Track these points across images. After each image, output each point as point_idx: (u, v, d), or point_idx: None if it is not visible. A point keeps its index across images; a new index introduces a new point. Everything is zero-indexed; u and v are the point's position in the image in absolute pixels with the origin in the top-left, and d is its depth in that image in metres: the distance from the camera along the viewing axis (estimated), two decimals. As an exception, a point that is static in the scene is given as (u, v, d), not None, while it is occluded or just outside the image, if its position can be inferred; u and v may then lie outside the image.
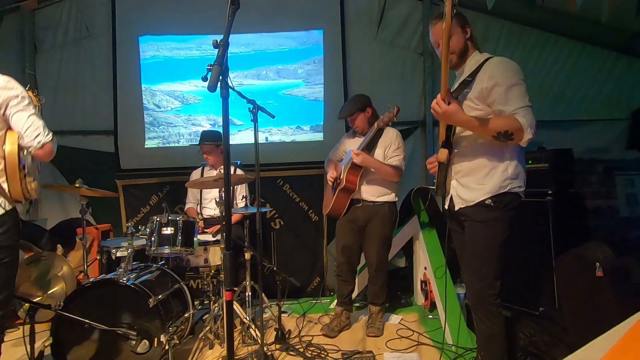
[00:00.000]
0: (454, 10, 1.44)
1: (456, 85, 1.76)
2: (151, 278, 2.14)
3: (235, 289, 2.53)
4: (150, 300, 1.87)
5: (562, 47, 3.81)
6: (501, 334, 1.62)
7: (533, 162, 2.32)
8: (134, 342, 1.82)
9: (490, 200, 1.62)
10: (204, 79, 1.04)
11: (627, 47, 3.76)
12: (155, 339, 1.84)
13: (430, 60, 3.81)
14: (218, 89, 1.04)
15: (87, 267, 2.33)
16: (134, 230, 2.12)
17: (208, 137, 2.96)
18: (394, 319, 2.76)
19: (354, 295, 2.75)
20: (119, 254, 2.15)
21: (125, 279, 1.95)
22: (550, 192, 2.22)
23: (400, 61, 3.84)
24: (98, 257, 2.45)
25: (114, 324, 1.87)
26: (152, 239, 2.16)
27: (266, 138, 3.75)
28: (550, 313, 2.00)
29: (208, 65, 1.05)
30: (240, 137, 3.70)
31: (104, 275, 2.13)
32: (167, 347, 1.88)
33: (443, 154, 1.72)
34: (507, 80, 1.56)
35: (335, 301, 2.76)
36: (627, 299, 1.32)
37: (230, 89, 1.21)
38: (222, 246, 2.21)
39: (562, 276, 1.60)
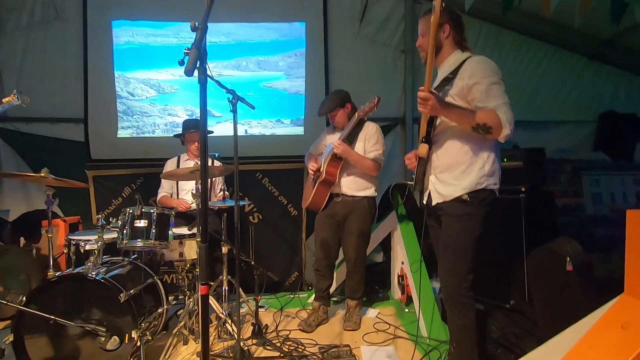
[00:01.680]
0: (443, 5, 1.46)
1: (437, 82, 1.77)
2: (122, 272, 2.06)
3: (212, 283, 2.48)
4: (121, 295, 1.80)
5: (536, 50, 3.94)
6: (473, 326, 1.66)
7: (508, 159, 2.38)
8: (103, 339, 1.74)
9: (467, 196, 1.65)
10: (181, 63, 1.00)
11: (596, 53, 3.94)
12: (126, 335, 1.77)
13: (411, 57, 3.84)
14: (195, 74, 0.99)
15: (54, 260, 2.21)
16: (105, 223, 2.03)
17: (194, 125, 2.86)
18: (371, 312, 2.79)
19: (331, 289, 2.75)
20: (88, 247, 2.05)
21: (94, 273, 1.86)
22: (523, 189, 2.29)
23: (381, 58, 3.85)
24: (65, 251, 2.33)
25: (81, 320, 1.79)
26: (124, 231, 2.07)
27: (245, 131, 3.68)
28: (520, 307, 2.07)
29: (185, 50, 1.00)
30: (219, 129, 3.61)
31: (71, 269, 2.03)
32: (138, 344, 1.82)
33: (423, 149, 1.74)
34: (487, 78, 1.59)
35: (313, 296, 2.75)
36: (593, 293, 1.38)
37: (208, 78, 1.17)
38: (198, 239, 2.15)
39: (533, 270, 1.65)
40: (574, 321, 1.13)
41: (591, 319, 0.96)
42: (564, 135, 4.06)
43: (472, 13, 3.51)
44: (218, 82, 1.89)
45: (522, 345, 1.75)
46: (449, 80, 1.71)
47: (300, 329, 2.49)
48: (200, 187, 2.15)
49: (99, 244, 2.01)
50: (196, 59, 0.98)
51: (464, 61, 1.68)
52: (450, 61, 1.75)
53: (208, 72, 1.07)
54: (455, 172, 1.69)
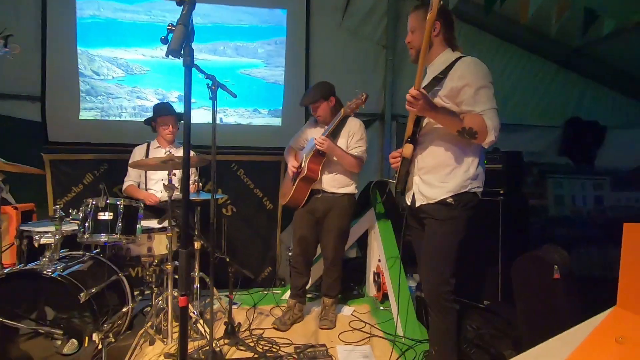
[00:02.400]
0: (441, 2, 1.41)
1: (427, 82, 1.74)
2: (83, 269, 1.88)
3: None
4: (82, 294, 1.64)
5: (512, 54, 4.04)
6: (454, 329, 1.67)
7: (488, 162, 2.40)
8: (59, 342, 1.59)
9: (451, 199, 1.64)
10: (164, 40, 0.87)
11: (567, 62, 4.10)
12: (86, 338, 1.62)
13: (392, 54, 3.82)
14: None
15: (1, 253, 1.99)
16: (63, 214, 1.84)
17: (167, 109, 2.67)
18: (346, 310, 2.77)
19: (307, 286, 2.69)
20: (43, 241, 1.85)
21: (50, 269, 1.68)
22: (502, 191, 2.33)
23: (363, 52, 3.79)
24: (16, 243, 2.09)
25: (34, 322, 1.61)
26: (86, 224, 1.89)
27: (221, 119, 3.51)
28: (494, 307, 2.11)
29: (169, 25, 0.87)
30: (192, 115, 3.41)
31: (23, 265, 1.83)
32: (100, 347, 1.67)
33: (408, 149, 1.71)
34: (477, 81, 1.57)
35: (288, 292, 2.68)
36: (578, 302, 1.42)
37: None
38: (169, 234, 2.01)
39: (519, 275, 1.67)
40: (558, 328, 1.14)
41: (581, 330, 0.96)
42: (533, 139, 4.22)
43: (454, 13, 3.54)
44: (197, 67, 1.75)
45: (497, 346, 1.78)
46: (438, 80, 1.67)
47: (274, 328, 2.41)
48: (172, 179, 2.02)
49: (56, 237, 1.83)
50: (183, 37, 0.86)
51: (454, 61, 1.65)
52: (440, 60, 1.72)
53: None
54: (440, 174, 1.67)
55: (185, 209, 0.99)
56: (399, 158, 1.74)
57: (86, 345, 1.63)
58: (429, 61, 1.73)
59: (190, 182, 2.80)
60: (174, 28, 0.86)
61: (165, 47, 0.97)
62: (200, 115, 3.42)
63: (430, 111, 1.53)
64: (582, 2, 3.12)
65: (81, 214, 1.91)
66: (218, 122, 3.43)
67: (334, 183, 2.45)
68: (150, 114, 2.82)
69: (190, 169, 2.80)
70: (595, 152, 4.27)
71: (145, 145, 2.80)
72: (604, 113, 4.23)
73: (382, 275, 2.80)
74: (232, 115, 3.57)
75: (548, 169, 4.20)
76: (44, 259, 1.77)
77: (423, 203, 1.70)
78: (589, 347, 0.89)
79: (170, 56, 0.84)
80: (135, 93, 3.39)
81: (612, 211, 4.05)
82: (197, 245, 2.20)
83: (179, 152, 2.78)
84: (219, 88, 1.77)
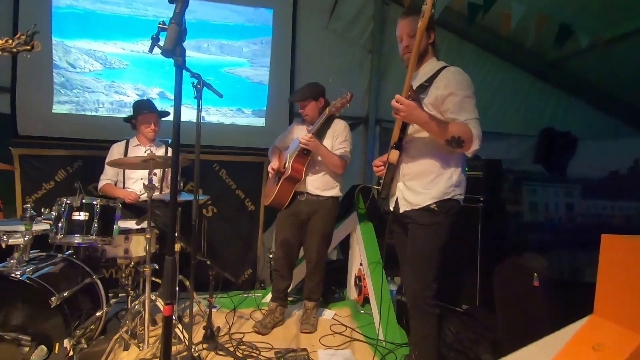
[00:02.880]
0: (433, 10, 1.42)
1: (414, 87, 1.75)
2: (54, 271, 1.79)
3: (159, 281, 2.28)
4: (52, 298, 1.55)
5: (492, 64, 4.16)
6: (435, 335, 1.69)
7: (469, 169, 2.46)
8: (27, 349, 1.50)
9: (435, 205, 1.67)
10: (155, 39, 0.84)
11: (542, 73, 4.26)
12: (57, 344, 1.54)
13: (378, 58, 3.85)
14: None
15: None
16: (34, 213, 1.74)
17: (149, 106, 2.58)
18: (327, 313, 2.76)
19: (289, 289, 2.67)
20: (11, 242, 1.75)
21: (18, 272, 1.59)
22: (482, 198, 2.39)
23: (349, 55, 3.81)
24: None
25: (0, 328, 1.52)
26: (60, 224, 1.80)
27: (203, 118, 3.42)
28: (473, 311, 2.16)
29: (160, 23, 0.84)
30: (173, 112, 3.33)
31: (-12, 265, 1.72)
32: (71, 353, 1.59)
33: (394, 155, 1.72)
34: (462, 91, 1.60)
35: (269, 295, 2.65)
36: (554, 308, 1.47)
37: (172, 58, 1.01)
38: (148, 236, 1.94)
39: (500, 281, 1.71)
40: (536, 333, 1.17)
41: (559, 337, 1.00)
42: (509, 147, 4.35)
43: (437, 22, 3.62)
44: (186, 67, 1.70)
45: (476, 350, 1.81)
46: (424, 87, 1.70)
47: (255, 331, 2.38)
48: (152, 179, 1.95)
49: (25, 238, 1.73)
50: (177, 37, 0.82)
51: (439, 70, 1.68)
52: (426, 69, 1.75)
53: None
54: (424, 180, 1.69)
55: (173, 213, 0.96)
56: (382, 167, 1.75)
57: (56, 352, 1.54)
58: (417, 68, 1.75)
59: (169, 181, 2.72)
60: (165, 27, 0.83)
61: (149, 43, 0.93)
62: (183, 113, 3.33)
63: (418, 119, 1.55)
64: (559, 18, 3.26)
65: (54, 213, 1.82)
66: (202, 121, 3.40)
67: (318, 185, 2.44)
68: (128, 110, 2.73)
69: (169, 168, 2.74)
70: (567, 161, 4.46)
71: (124, 142, 2.70)
72: (577, 124, 4.42)
73: (364, 278, 2.81)
74: (215, 114, 3.50)
75: (523, 176, 4.35)
76: (12, 261, 1.67)
77: (407, 209, 1.72)
78: (568, 354, 0.92)
79: (164, 56, 0.80)
80: (113, 87, 3.27)
81: (582, 218, 4.25)
82: (177, 247, 2.14)
83: (160, 151, 2.70)
84: (204, 87, 1.72)
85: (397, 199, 1.77)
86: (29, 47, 1.46)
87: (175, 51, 0.82)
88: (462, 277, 2.43)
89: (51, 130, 3.10)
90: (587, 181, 4.31)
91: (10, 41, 1.43)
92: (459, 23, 3.77)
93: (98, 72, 3.23)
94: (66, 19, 3.11)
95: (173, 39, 0.82)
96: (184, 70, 1.66)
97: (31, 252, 1.86)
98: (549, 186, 4.37)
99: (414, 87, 1.72)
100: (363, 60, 3.87)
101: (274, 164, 2.48)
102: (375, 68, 3.86)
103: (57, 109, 3.14)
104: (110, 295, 2.12)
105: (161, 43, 0.88)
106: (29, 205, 1.77)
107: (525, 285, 1.53)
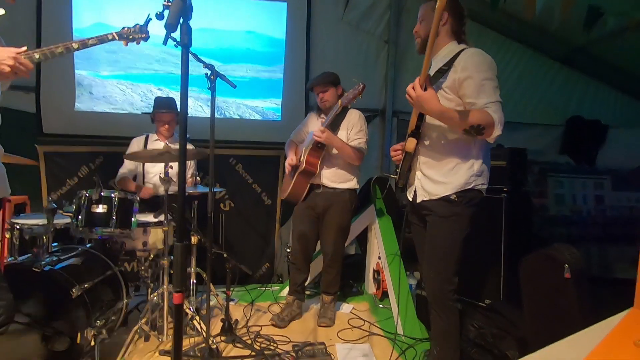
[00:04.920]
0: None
1: (431, 74, 1.69)
2: (76, 263, 1.83)
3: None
4: (74, 289, 1.58)
5: (514, 51, 3.98)
6: (457, 330, 1.63)
7: (492, 159, 2.36)
8: (50, 340, 1.53)
9: (454, 196, 1.60)
10: (159, 16, 0.82)
11: (568, 59, 4.06)
12: (79, 334, 1.57)
13: (395, 49, 3.76)
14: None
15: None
16: (55, 206, 1.78)
17: (166, 105, 2.60)
18: (345, 307, 2.73)
19: (306, 283, 2.65)
20: (35, 234, 1.79)
21: (41, 263, 1.63)
22: (505, 189, 2.29)
23: (364, 46, 3.74)
24: (7, 236, 2.03)
25: (25, 318, 1.55)
26: (79, 217, 1.83)
27: (221, 112, 3.46)
28: (496, 306, 2.07)
29: (165, 1, 0.82)
30: (191, 106, 3.36)
31: (14, 258, 1.77)
32: (92, 343, 1.62)
33: (411, 143, 1.66)
34: (480, 73, 1.53)
35: (286, 289, 2.64)
36: (587, 302, 1.38)
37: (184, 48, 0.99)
38: (165, 229, 1.96)
39: (527, 274, 1.63)
40: (567, 329, 1.10)
41: (594, 332, 0.92)
42: (534, 137, 4.17)
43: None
44: (195, 56, 1.70)
45: (500, 346, 1.74)
46: (443, 72, 1.63)
47: (272, 324, 2.37)
48: (169, 172, 1.96)
49: (47, 230, 1.77)
50: (179, 11, 0.80)
51: (458, 53, 1.60)
52: (444, 52, 1.67)
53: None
54: (443, 169, 1.62)
55: (181, 200, 0.94)
56: (400, 151, 1.70)
57: (78, 342, 1.57)
58: (434, 52, 1.68)
59: (189, 175, 2.75)
60: (169, 4, 0.81)
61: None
62: (199, 109, 3.36)
63: (429, 111, 1.49)
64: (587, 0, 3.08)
65: (74, 207, 1.85)
66: (218, 115, 3.42)
67: (335, 178, 2.40)
68: (150, 107, 2.77)
69: (189, 162, 2.76)
70: (597, 151, 4.25)
71: (143, 137, 2.74)
72: (606, 112, 4.20)
73: (382, 272, 2.76)
74: (232, 109, 3.51)
75: (549, 168, 4.18)
76: (34, 253, 1.71)
77: (425, 199, 1.66)
78: (605, 351, 0.85)
79: (168, 32, 0.78)
80: (135, 86, 3.32)
81: (612, 210, 4.04)
82: (194, 240, 2.15)
83: (177, 146, 2.72)
84: (218, 78, 1.71)
85: (415, 189, 1.71)
86: None
87: (177, 25, 0.80)
88: (485, 270, 2.34)
89: (74, 127, 3.18)
90: (618, 171, 4.09)
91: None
92: (477, 9, 3.63)
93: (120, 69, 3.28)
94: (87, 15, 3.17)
95: (176, 13, 0.79)
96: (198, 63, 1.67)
97: (54, 244, 1.91)
98: (576, 178, 4.18)
99: (433, 72, 1.66)
100: (379, 51, 3.79)
101: (290, 159, 2.45)
102: (392, 59, 3.77)
103: (80, 106, 3.21)
104: (130, 287, 2.15)
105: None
106: (50, 199, 1.81)
107: (556, 277, 1.44)
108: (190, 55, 1.70)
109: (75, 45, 1.32)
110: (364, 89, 2.19)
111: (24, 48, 1.23)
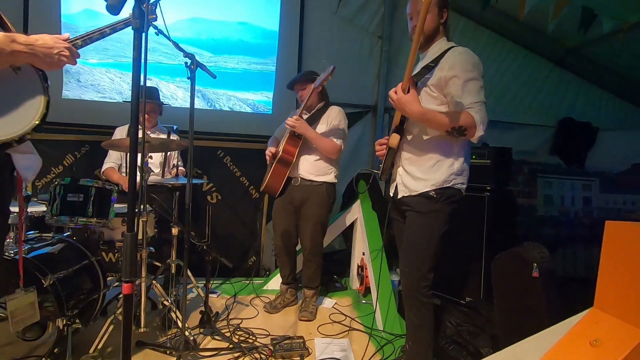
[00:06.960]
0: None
1: (418, 69, 1.68)
2: (51, 251, 1.81)
3: (159, 264, 2.29)
4: (46, 278, 1.57)
5: (508, 51, 3.97)
6: (430, 325, 1.64)
7: (476, 157, 2.36)
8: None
9: (433, 192, 1.60)
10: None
11: (562, 60, 4.05)
12: (50, 324, 1.55)
13: (388, 45, 3.73)
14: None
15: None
16: (29, 194, 1.75)
17: (151, 95, 2.59)
18: (328, 302, 2.73)
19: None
20: (10, 221, 1.77)
21: (12, 252, 1.61)
22: (489, 188, 2.29)
23: (357, 42, 3.71)
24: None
25: (-4, 306, 1.54)
26: (54, 205, 1.81)
27: (212, 104, 3.42)
28: (475, 304, 2.08)
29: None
30: (182, 97, 3.32)
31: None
32: (65, 333, 1.61)
33: (395, 139, 1.66)
34: (466, 73, 1.52)
35: (270, 282, 2.65)
36: (555, 301, 1.38)
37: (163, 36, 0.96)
38: (144, 219, 1.94)
39: (498, 272, 1.63)
40: (534, 327, 1.10)
41: (557, 331, 0.92)
42: (525, 138, 4.18)
43: (451, 6, 3.47)
44: (175, 44, 1.67)
45: (476, 343, 1.75)
46: (429, 68, 1.62)
47: (265, 311, 2.44)
48: (148, 162, 1.94)
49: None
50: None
51: (446, 50, 1.59)
52: (434, 49, 1.66)
53: (158, 16, 0.86)
54: (424, 166, 1.63)
55: (132, 190, 0.93)
56: (385, 146, 1.69)
57: (49, 330, 1.56)
58: (426, 49, 1.67)
59: (172, 166, 2.73)
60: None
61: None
62: (189, 100, 3.33)
63: (410, 115, 1.50)
64: (581, 0, 3.06)
65: (49, 195, 1.83)
66: (208, 107, 3.39)
67: (312, 170, 2.38)
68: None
69: (173, 153, 2.74)
70: (586, 153, 4.26)
71: (126, 126, 2.70)
72: (597, 114, 4.21)
73: (366, 268, 2.76)
74: (222, 100, 3.48)
75: (539, 168, 4.19)
76: (7, 241, 1.69)
77: (405, 195, 1.66)
78: (562, 351, 0.85)
79: (109, 12, 0.76)
80: (124, 75, 3.28)
81: (600, 212, 4.06)
82: (174, 231, 2.14)
83: (161, 136, 2.69)
84: (198, 68, 1.68)
85: (396, 185, 1.71)
86: None
87: (120, 8, 0.77)
88: (467, 268, 2.34)
89: (59, 115, 3.13)
90: (606, 174, 4.11)
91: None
92: (472, 7, 3.61)
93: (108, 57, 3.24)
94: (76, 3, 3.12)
95: (119, -5, 0.77)
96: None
97: (30, 232, 1.88)
98: (566, 179, 4.19)
99: (420, 68, 1.65)
100: (373, 46, 3.76)
101: (270, 149, 2.43)
102: (385, 55, 3.74)
103: (67, 94, 3.17)
104: (112, 277, 2.13)
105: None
106: (24, 187, 1.78)
107: (525, 276, 1.45)
108: (171, 43, 1.68)
109: (107, 31, 1.32)
110: (334, 70, 2.16)
111: (67, 34, 1.20)
